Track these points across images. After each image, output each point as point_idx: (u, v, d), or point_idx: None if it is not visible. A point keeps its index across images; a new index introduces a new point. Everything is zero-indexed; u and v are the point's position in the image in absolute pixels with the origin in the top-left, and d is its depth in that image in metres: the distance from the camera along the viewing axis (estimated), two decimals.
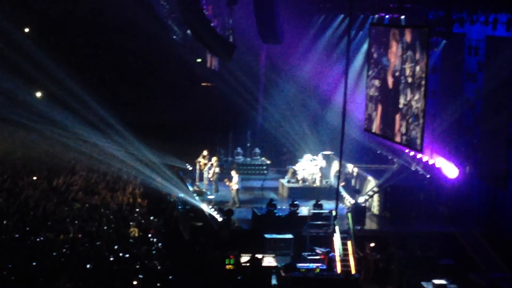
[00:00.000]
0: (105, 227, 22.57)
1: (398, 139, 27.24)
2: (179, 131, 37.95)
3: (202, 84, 42.98)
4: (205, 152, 30.98)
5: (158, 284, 18.96)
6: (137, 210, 25.23)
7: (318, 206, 26.01)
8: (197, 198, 28.76)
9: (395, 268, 23.64)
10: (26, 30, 42.08)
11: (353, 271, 23.62)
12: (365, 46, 30.58)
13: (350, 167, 31.07)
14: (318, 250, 24.17)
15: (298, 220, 25.59)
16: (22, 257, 19.28)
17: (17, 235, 21.13)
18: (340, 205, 26.65)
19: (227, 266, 22.51)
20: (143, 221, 23.98)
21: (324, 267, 23.17)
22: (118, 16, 41.96)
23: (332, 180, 30.60)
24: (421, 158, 28.03)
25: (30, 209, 23.76)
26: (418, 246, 24.77)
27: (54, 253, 19.83)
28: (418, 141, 25.49)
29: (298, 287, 21.61)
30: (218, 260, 22.55)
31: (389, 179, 28.09)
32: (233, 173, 28.97)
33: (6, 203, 24.20)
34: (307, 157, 31.05)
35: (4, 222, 22.15)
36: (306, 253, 24.13)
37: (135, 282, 18.57)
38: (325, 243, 24.50)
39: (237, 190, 28.53)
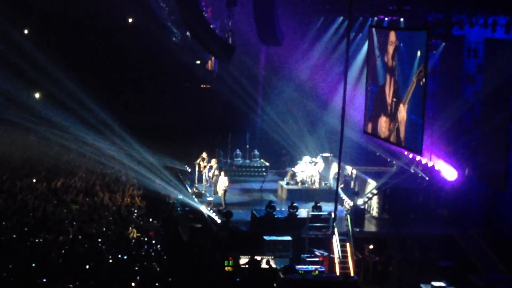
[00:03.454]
0: (104, 229, 22.56)
1: (397, 141, 27.26)
2: (178, 133, 37.97)
3: (202, 86, 43.01)
4: (204, 154, 30.98)
5: (157, 286, 18.95)
6: (136, 211, 25.23)
7: (317, 208, 26.00)
8: (196, 199, 28.76)
9: (394, 270, 23.67)
10: (26, 31, 42.10)
11: (352, 273, 23.64)
12: (364, 48, 30.59)
13: (349, 169, 31.08)
14: (317, 252, 24.19)
15: (297, 222, 25.59)
16: (21, 258, 19.27)
17: (16, 236, 21.12)
18: (339, 207, 26.64)
19: (226, 268, 22.50)
20: (142, 223, 23.98)
21: (323, 269, 23.19)
22: (118, 17, 41.99)
23: (331, 182, 30.61)
24: (420, 160, 28.05)
25: (29, 210, 23.76)
26: (417, 248, 24.78)
27: (53, 254, 19.81)
28: (417, 143, 25.50)
29: None
30: (217, 262, 22.54)
31: (388, 181, 28.09)
32: (222, 174, 28.93)
33: (5, 204, 24.20)
34: (306, 159, 31.06)
35: (3, 223, 22.14)
36: (305, 255, 24.13)
37: (133, 284, 18.56)
38: (324, 245, 24.52)
39: (225, 191, 28.51)
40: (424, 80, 24.95)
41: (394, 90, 27.09)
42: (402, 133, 26.72)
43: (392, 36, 27.26)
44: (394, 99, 27.13)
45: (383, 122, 28.21)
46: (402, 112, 26.54)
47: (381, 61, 28.05)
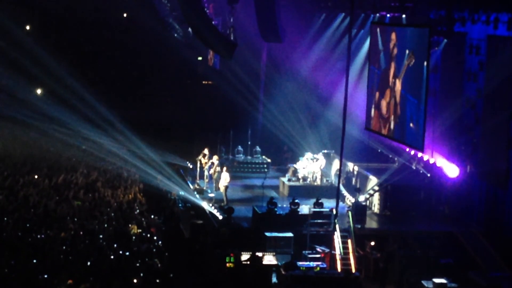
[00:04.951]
0: (106, 225, 22.58)
1: (399, 137, 27.24)
2: (180, 129, 37.99)
3: (203, 82, 43.01)
4: (205, 150, 30.99)
5: (158, 282, 18.97)
6: (138, 208, 25.24)
7: (318, 204, 26.01)
8: (197, 196, 28.78)
9: (395, 267, 23.66)
10: (27, 27, 42.10)
11: (353, 270, 23.64)
12: (366, 45, 30.56)
13: (351, 166, 31.08)
14: (319, 249, 24.20)
15: (299, 219, 25.61)
16: (23, 255, 19.28)
17: (18, 233, 21.13)
18: (341, 203, 26.68)
19: (227, 264, 22.51)
20: (143, 219, 23.99)
21: (325, 265, 23.21)
22: (119, 14, 42.01)
23: (333, 178, 30.62)
24: (421, 157, 28.03)
25: (30, 206, 23.77)
26: (418, 245, 24.78)
27: (55, 251, 19.82)
28: (419, 140, 25.48)
29: (298, 285, 21.60)
30: (218, 258, 22.55)
31: (390, 178, 28.11)
32: (224, 170, 28.91)
33: (7, 200, 24.21)
34: (308, 155, 31.06)
35: (5, 219, 22.16)
36: (306, 252, 24.15)
37: (135, 280, 18.58)
38: (325, 241, 24.54)
39: (226, 188, 28.50)
40: (426, 77, 24.91)
41: (396, 86, 27.11)
42: (404, 129, 26.69)
43: (395, 33, 27.29)
44: (396, 95, 27.16)
45: (385, 118, 28.17)
46: (404, 108, 26.51)
47: (383, 57, 28.04)
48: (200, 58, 42.08)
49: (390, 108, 27.38)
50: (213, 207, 27.37)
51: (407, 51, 26.01)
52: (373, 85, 28.91)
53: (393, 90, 27.15)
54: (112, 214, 23.76)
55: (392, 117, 27.31)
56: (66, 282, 17.64)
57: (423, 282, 22.25)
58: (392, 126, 27.45)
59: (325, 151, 31.95)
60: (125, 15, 42.54)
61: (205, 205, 27.51)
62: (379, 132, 28.67)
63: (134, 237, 22.00)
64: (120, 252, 20.26)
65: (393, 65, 27.25)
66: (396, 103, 26.97)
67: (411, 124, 25.94)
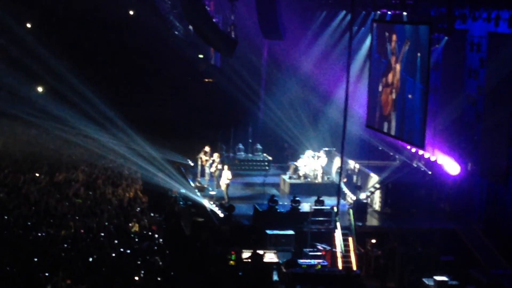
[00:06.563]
0: (106, 223, 22.58)
1: (399, 135, 27.24)
2: (181, 127, 37.97)
3: (204, 80, 42.98)
4: (206, 148, 30.98)
5: (159, 280, 18.98)
6: (139, 205, 25.24)
7: (319, 202, 26.02)
8: (198, 193, 28.79)
9: (396, 264, 23.70)
10: (28, 25, 42.08)
11: (354, 267, 23.66)
12: (367, 42, 30.55)
13: (352, 163, 31.07)
14: (320, 246, 24.21)
15: (300, 216, 25.62)
16: (24, 253, 19.29)
17: (18, 231, 21.13)
18: (342, 201, 26.68)
19: (230, 262, 22.52)
20: (144, 217, 24.00)
21: (325, 263, 23.21)
22: (120, 11, 41.94)
23: (334, 176, 30.62)
24: (422, 155, 28.04)
25: (31, 204, 23.78)
26: (419, 243, 24.79)
27: (56, 249, 19.83)
28: (420, 138, 25.48)
29: (299, 283, 21.62)
30: (219, 256, 22.56)
31: (391, 175, 28.10)
32: (226, 168, 28.91)
33: (8, 198, 24.22)
34: (309, 153, 31.05)
35: (6, 217, 22.17)
36: (307, 249, 24.16)
37: (136, 278, 18.59)
38: (326, 239, 24.55)
39: (227, 185, 28.50)
40: (426, 74, 24.90)
41: (397, 83, 27.15)
42: (405, 127, 26.68)
43: (395, 30, 27.28)
44: (397, 92, 27.19)
45: (385, 116, 28.18)
46: (405, 105, 26.51)
47: (384, 55, 28.02)
48: (201, 56, 42.03)
49: (394, 81, 27.43)
50: (214, 205, 27.38)
51: (406, 48, 26.09)
52: (378, 70, 28.85)
53: (395, 72, 27.19)
54: (113, 212, 23.77)
55: (394, 90, 27.37)
56: (66, 280, 17.65)
57: (423, 279, 22.28)
58: (394, 96, 27.43)
59: (326, 148, 31.93)
60: (125, 13, 42.47)
61: (206, 202, 27.51)
62: (385, 105, 28.31)
63: (135, 235, 22.01)
64: (121, 249, 20.27)
65: (395, 57, 27.37)
66: (397, 80, 27.05)
67: (409, 96, 25.96)
